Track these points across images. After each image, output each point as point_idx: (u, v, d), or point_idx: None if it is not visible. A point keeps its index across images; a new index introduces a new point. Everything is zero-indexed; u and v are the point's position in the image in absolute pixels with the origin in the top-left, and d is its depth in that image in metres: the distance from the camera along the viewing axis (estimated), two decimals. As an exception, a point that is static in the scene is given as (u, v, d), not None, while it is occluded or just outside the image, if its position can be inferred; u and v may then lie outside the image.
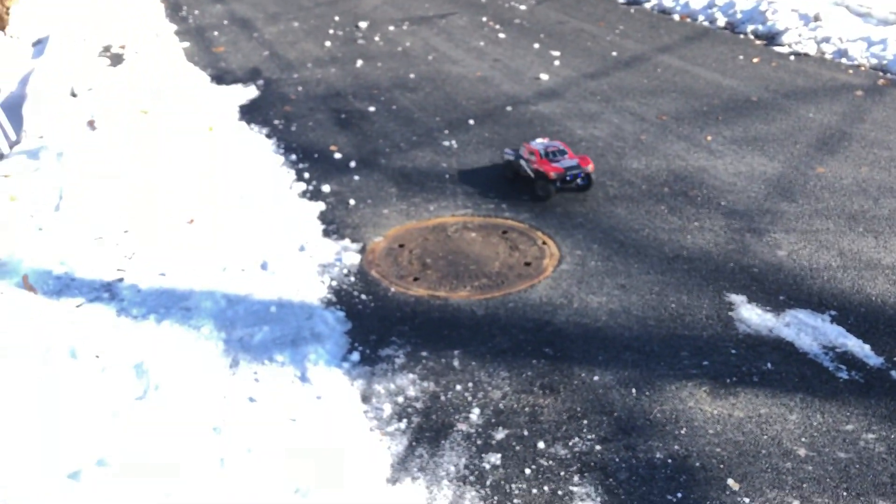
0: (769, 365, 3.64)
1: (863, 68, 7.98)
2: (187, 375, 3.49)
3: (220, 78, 8.87)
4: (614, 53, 9.16)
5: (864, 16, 9.28)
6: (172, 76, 8.47)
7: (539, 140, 5.72)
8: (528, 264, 4.71)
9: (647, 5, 11.37)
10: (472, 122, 7.09)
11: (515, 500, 2.96)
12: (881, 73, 7.78)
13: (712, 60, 8.62)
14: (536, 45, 9.65)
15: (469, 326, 4.11)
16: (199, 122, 6.98)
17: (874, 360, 3.62)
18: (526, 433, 3.31)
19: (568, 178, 5.38)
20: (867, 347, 3.70)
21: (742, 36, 9.56)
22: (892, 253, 4.51)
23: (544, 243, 4.96)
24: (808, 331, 3.87)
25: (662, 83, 7.95)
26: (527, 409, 3.46)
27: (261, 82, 8.62)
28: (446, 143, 6.61)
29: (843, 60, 8.25)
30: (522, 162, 5.62)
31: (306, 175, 6.05)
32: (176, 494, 2.79)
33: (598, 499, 2.95)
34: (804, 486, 2.94)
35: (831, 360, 3.64)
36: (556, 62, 8.92)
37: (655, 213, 5.20)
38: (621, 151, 6.26)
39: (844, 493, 2.90)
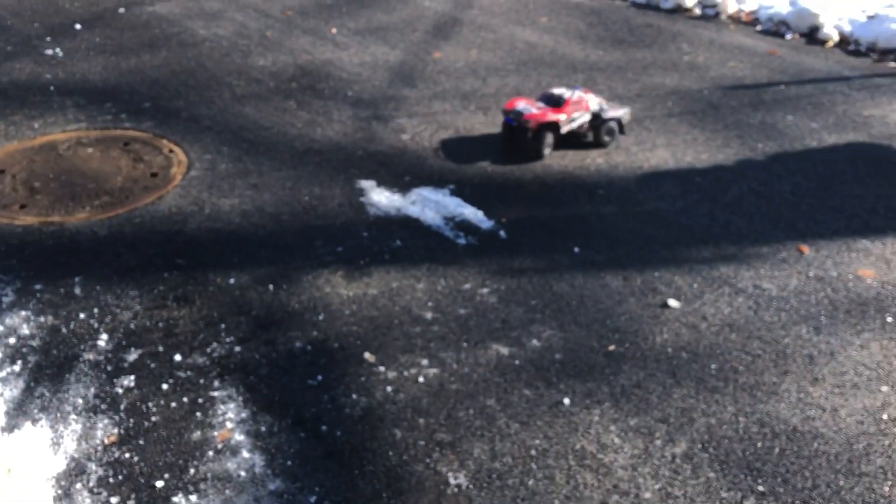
0: (398, 242, 3.83)
1: (470, -42, 8.49)
2: None
3: None
4: (235, -52, 8.72)
5: None
6: None
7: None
8: (154, 175, 4.41)
9: None
10: (78, 26, 6.36)
11: (154, 418, 2.83)
12: (485, -38, 8.34)
13: (334, -47, 8.58)
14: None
15: (91, 250, 3.76)
16: None
17: (486, 224, 3.97)
18: (161, 349, 3.15)
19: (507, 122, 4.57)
20: (480, 214, 4.05)
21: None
22: (499, 126, 4.94)
23: (171, 151, 4.66)
24: (431, 206, 4.12)
25: (286, -22, 7.75)
26: (161, 324, 3.29)
27: None
28: (49, 52, 5.86)
29: (453, -49, 8.70)
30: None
31: None
32: None
33: (240, 398, 2.92)
34: (431, 344, 3.18)
35: (451, 230, 3.93)
36: (173, -41, 8.26)
37: (284, 109, 5.13)
38: (247, 49, 6.04)
39: (465, 344, 3.18)
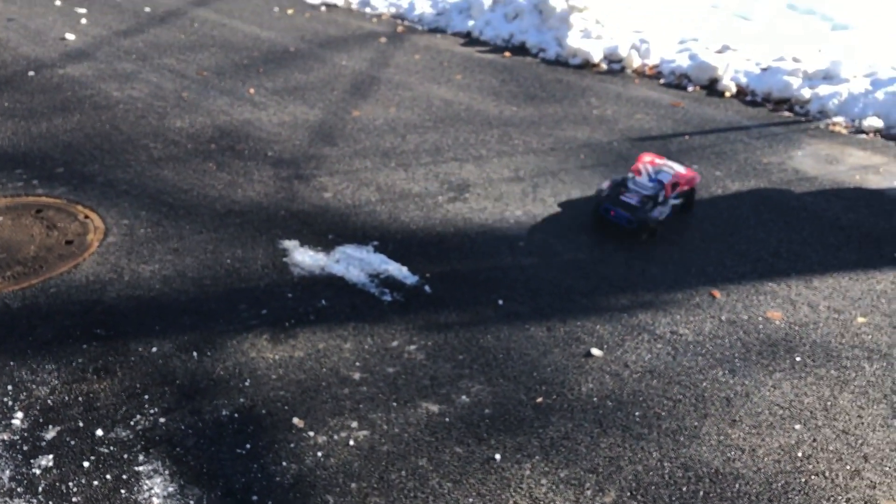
0: (323, 302, 3.83)
1: (384, 17, 8.68)
2: None
3: None
4: (147, 9, 8.69)
5: (382, -32, 10.04)
6: None
7: (647, 157, 4.67)
8: (69, 243, 4.30)
9: (179, -42, 10.95)
10: (-16, 91, 6.19)
11: (75, 499, 2.73)
12: (399, 21, 8.53)
13: (249, 13, 8.64)
14: (58, 3, 8.73)
15: (3, 323, 3.63)
16: None
17: (411, 279, 4.02)
18: (81, 424, 3.05)
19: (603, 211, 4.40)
20: (405, 269, 4.09)
21: (276, -12, 9.72)
22: (419, 183, 5.02)
23: (86, 217, 4.56)
24: (355, 263, 4.14)
25: (201, 38, 7.76)
26: (80, 398, 3.18)
27: None
28: (-47, 119, 5.69)
29: (368, 10, 8.88)
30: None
31: None
32: None
33: (167, 471, 2.84)
34: (361, 406, 3.18)
35: (377, 287, 3.96)
36: (84, 20, 8.18)
37: (204, 170, 5.09)
38: (163, 111, 6.00)
39: (395, 404, 3.19)
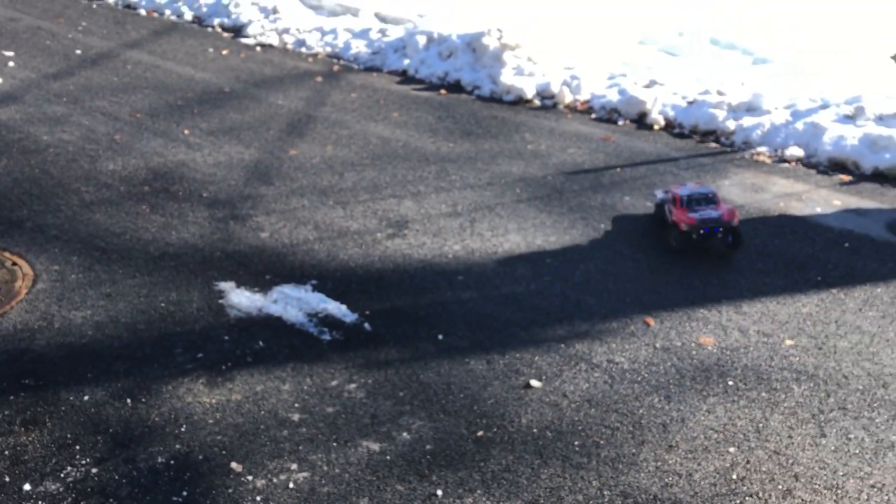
0: (261, 343, 3.79)
1: (320, 56, 8.73)
2: None
3: None
4: (78, 52, 8.58)
5: (317, 8, 10.14)
6: None
7: (690, 184, 4.98)
8: (-5, 291, 4.18)
9: (111, 0, 10.85)
10: None
11: (1, 558, 2.63)
12: (335, 60, 8.60)
13: (183, 54, 8.60)
14: (-16, 45, 8.56)
15: (-76, 376, 3.50)
16: None
17: (350, 317, 4.01)
18: (8, 479, 2.94)
19: (703, 232, 4.58)
20: (344, 307, 4.08)
21: (210, 29, 9.71)
22: (357, 220, 5.03)
23: (14, 264, 4.44)
24: (293, 303, 4.12)
25: (134, 80, 7.69)
26: (7, 452, 3.08)
27: None
28: None
29: (303, 49, 8.92)
30: (666, 206, 4.88)
31: None
32: None
33: (99, 524, 2.76)
34: (300, 447, 3.14)
35: (315, 326, 3.93)
36: (11, 63, 8.03)
37: (137, 213, 5.02)
38: (95, 154, 5.90)
39: (335, 444, 3.16)
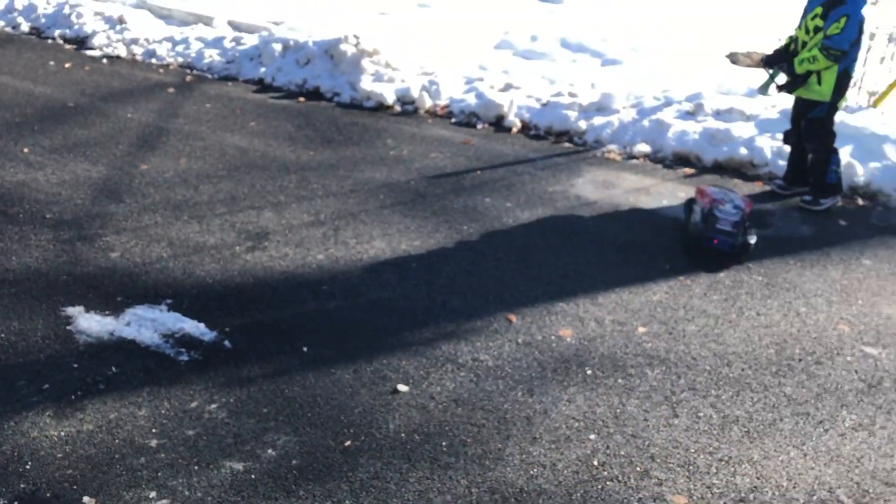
0: (114, 368, 3.61)
1: (171, 66, 8.43)
2: None
3: None
4: None
5: (167, 18, 9.78)
6: None
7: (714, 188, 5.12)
8: None
9: (-64, 11, 10.08)
10: None
11: None
12: (188, 70, 8.32)
13: (21, 68, 8.10)
14: None
15: None
16: None
17: (209, 335, 3.88)
18: None
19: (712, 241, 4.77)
20: (202, 326, 3.95)
21: (51, 41, 9.19)
22: (214, 234, 4.88)
23: None
24: (148, 324, 3.94)
25: (-36, 96, 7.15)
26: None
27: None
28: None
29: (154, 60, 8.59)
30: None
31: None
32: None
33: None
34: (159, 474, 3.01)
35: (172, 347, 3.78)
36: None
37: (-29, 239, 4.67)
38: (-80, 177, 5.45)
39: (196, 467, 3.05)
